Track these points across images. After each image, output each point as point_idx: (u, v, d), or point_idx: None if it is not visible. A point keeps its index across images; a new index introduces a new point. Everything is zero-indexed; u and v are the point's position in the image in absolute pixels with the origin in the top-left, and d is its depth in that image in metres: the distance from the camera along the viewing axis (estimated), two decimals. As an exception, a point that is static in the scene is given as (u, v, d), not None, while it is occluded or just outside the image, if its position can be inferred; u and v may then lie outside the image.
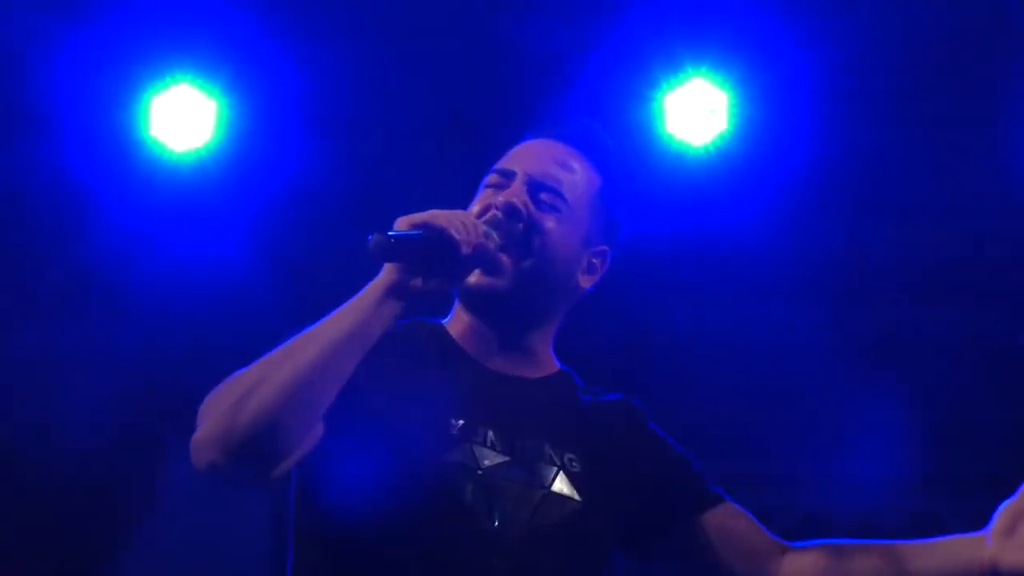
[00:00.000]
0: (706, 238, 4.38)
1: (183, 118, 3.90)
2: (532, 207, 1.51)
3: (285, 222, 3.74)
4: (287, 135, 3.89)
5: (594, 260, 1.59)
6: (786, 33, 3.91)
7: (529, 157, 1.59)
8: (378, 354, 1.44)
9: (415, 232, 1.34)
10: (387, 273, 1.37)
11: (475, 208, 1.56)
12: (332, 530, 1.44)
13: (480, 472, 1.39)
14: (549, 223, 1.50)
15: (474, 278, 1.46)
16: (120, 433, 4.43)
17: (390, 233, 1.34)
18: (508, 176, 1.56)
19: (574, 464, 1.47)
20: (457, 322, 1.56)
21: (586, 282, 1.58)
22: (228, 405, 1.29)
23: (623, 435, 1.55)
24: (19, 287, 4.37)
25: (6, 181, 4.14)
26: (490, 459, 1.42)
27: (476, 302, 1.48)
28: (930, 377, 4.28)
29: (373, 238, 1.32)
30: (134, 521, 4.46)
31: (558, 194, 1.52)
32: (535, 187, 1.53)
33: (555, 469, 1.46)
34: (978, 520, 1.51)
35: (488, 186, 1.58)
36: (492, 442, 1.44)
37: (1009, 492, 1.46)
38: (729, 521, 1.54)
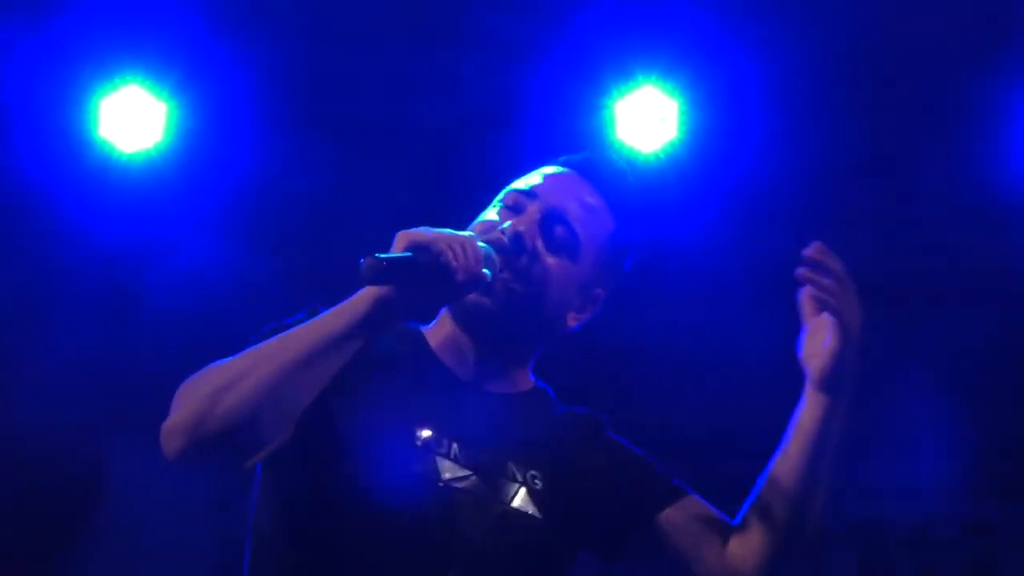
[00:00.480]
0: (655, 242, 4.46)
1: (133, 119, 3.90)
2: (541, 243, 1.50)
3: (234, 221, 3.79)
4: (237, 136, 3.90)
5: (588, 302, 1.59)
6: (735, 43, 4.00)
7: (554, 187, 1.57)
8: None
9: (408, 255, 1.32)
10: (378, 286, 1.38)
11: (485, 221, 1.56)
12: (289, 535, 1.44)
13: (440, 484, 1.39)
14: (552, 261, 1.50)
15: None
16: (70, 431, 4.43)
17: (381, 256, 1.32)
18: (529, 198, 1.55)
19: (536, 481, 1.47)
20: (439, 329, 1.55)
21: (574, 321, 1.58)
22: (206, 395, 1.29)
23: (586, 449, 1.56)
24: None
25: None
26: (451, 472, 1.41)
27: (462, 316, 1.48)
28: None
29: (365, 261, 1.31)
30: (85, 518, 4.48)
31: (573, 233, 1.51)
32: (551, 220, 1.51)
33: (517, 486, 1.46)
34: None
35: (506, 205, 1.57)
36: (456, 455, 1.44)
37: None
38: (690, 515, 1.55)
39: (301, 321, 1.42)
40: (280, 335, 1.36)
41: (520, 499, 1.44)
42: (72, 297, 4.10)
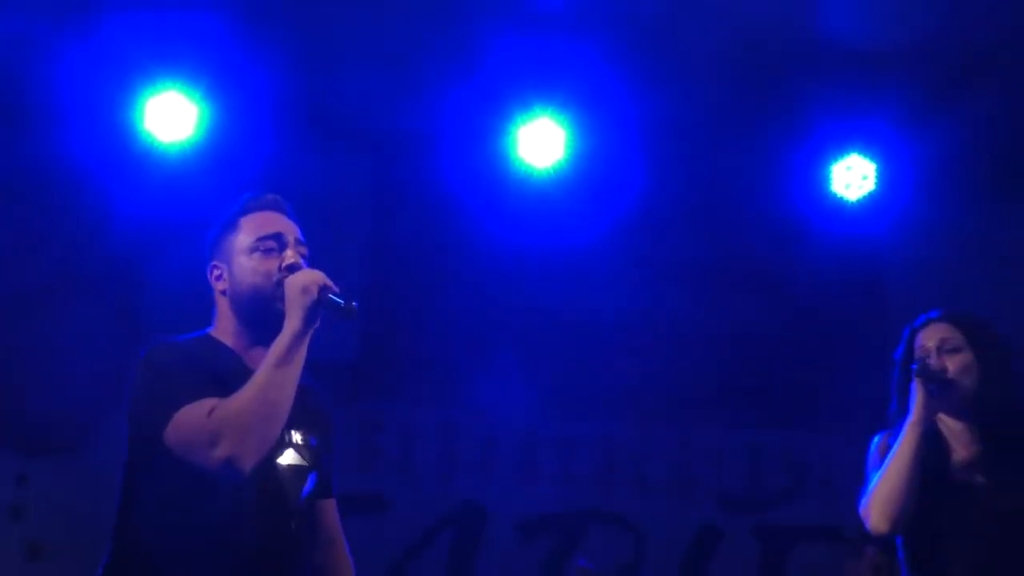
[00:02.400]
0: (548, 238, 5.32)
1: (171, 117, 4.80)
2: (302, 261, 2.12)
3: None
4: (254, 132, 4.73)
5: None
6: (616, 83, 4.80)
7: (286, 225, 2.15)
8: (192, 373, 2.00)
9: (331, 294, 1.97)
10: (304, 321, 1.97)
11: (271, 264, 2.10)
12: (159, 518, 1.98)
13: (285, 465, 2.05)
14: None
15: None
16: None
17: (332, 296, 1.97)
18: (281, 240, 2.12)
19: (309, 439, 2.12)
20: (227, 330, 2.12)
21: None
22: (256, 433, 1.90)
23: (320, 415, 2.18)
24: (27, 258, 5.08)
25: (30, 166, 4.91)
26: (288, 451, 2.06)
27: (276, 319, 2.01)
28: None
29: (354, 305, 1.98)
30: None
31: (305, 245, 2.18)
32: (298, 245, 2.14)
33: (306, 450, 2.10)
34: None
35: (269, 249, 2.11)
36: (289, 439, 2.07)
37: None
38: (328, 515, 2.20)
39: (192, 346, 2.09)
40: (270, 376, 1.94)
41: (302, 457, 2.08)
42: (122, 261, 4.92)
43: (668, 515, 5.59)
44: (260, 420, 1.95)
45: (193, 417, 1.94)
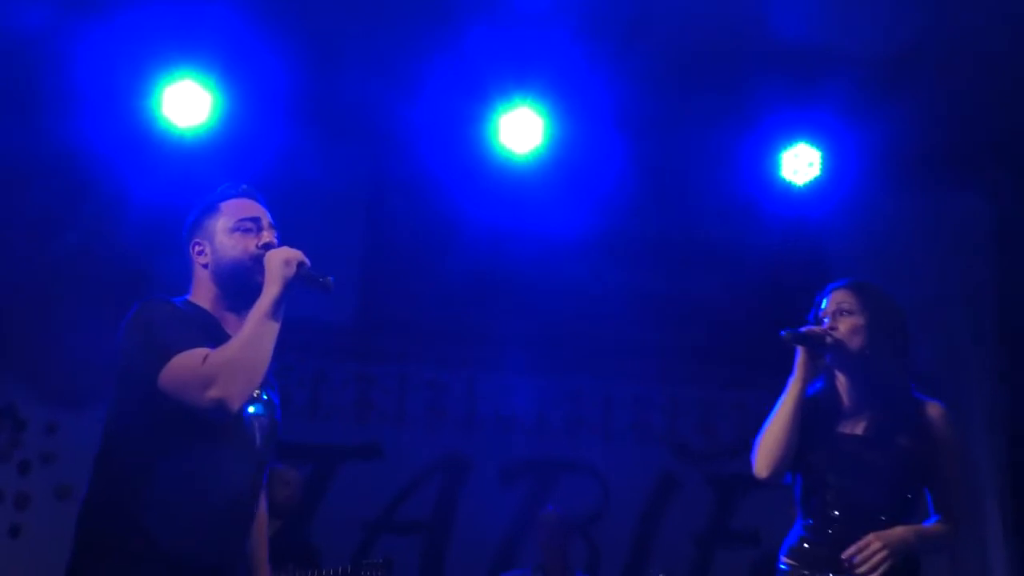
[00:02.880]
0: (526, 217, 5.51)
1: (187, 104, 4.93)
2: (276, 240, 2.34)
3: (262, 183, 4.05)
4: (264, 119, 4.89)
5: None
6: (591, 75, 4.89)
7: (260, 211, 2.36)
8: (183, 326, 2.18)
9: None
10: (283, 288, 2.18)
11: (249, 242, 2.30)
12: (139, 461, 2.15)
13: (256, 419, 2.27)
14: None
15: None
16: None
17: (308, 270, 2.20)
18: (257, 222, 2.34)
19: (271, 396, 2.33)
20: (205, 297, 2.32)
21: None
22: (243, 379, 2.10)
23: (277, 386, 2.40)
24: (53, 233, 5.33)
25: (55, 149, 5.11)
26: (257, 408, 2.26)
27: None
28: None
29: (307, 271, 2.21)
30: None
31: (276, 229, 2.38)
32: (271, 227, 2.35)
33: (268, 405, 2.31)
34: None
35: (247, 229, 2.32)
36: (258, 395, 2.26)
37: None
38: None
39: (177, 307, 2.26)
40: (257, 327, 2.14)
41: (257, 409, 2.26)
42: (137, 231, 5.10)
43: (630, 464, 5.80)
44: (246, 368, 2.13)
45: (189, 362, 2.11)
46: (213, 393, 2.08)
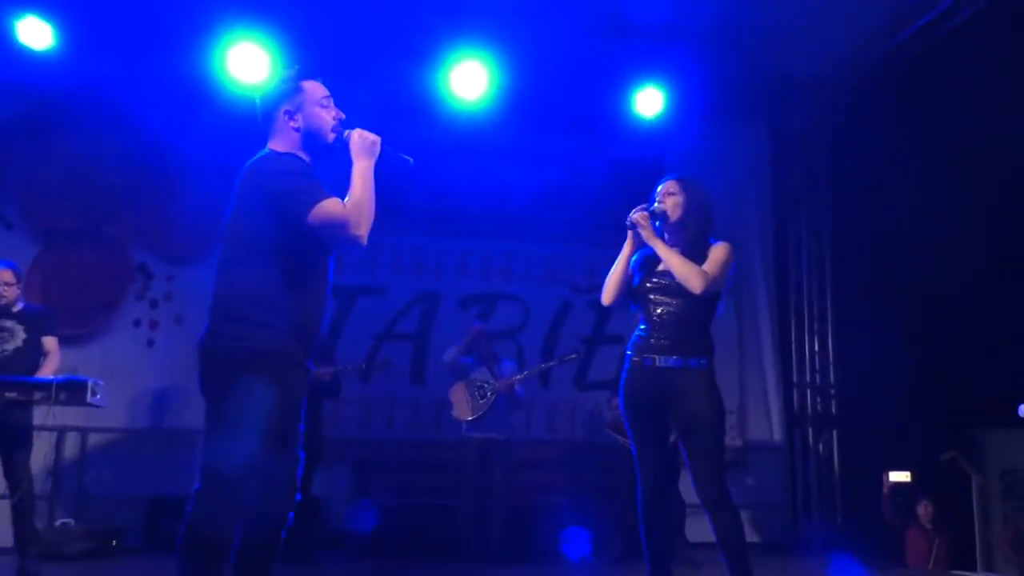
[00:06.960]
0: (472, 159, 6.38)
1: (248, 64, 5.61)
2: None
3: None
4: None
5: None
6: (533, 23, 5.57)
7: (327, 90, 2.53)
8: (315, 177, 2.36)
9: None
10: (373, 161, 2.39)
11: (329, 114, 2.46)
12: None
13: None
14: None
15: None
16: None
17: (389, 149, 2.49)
18: (331, 100, 2.50)
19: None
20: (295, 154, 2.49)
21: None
22: (368, 222, 2.31)
23: None
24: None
25: (146, 96, 5.89)
26: None
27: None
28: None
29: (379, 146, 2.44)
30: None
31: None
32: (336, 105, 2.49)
33: None
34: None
35: (326, 105, 2.47)
36: None
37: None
38: None
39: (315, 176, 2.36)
40: (367, 189, 2.32)
41: None
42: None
43: (542, 296, 7.10)
44: (368, 215, 2.36)
45: (335, 206, 2.32)
46: (356, 230, 2.32)
